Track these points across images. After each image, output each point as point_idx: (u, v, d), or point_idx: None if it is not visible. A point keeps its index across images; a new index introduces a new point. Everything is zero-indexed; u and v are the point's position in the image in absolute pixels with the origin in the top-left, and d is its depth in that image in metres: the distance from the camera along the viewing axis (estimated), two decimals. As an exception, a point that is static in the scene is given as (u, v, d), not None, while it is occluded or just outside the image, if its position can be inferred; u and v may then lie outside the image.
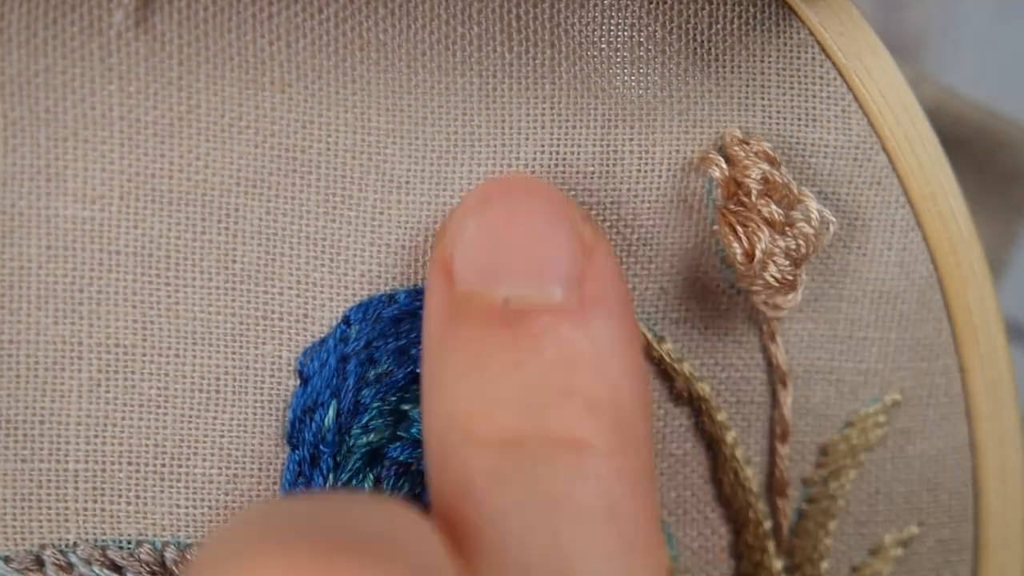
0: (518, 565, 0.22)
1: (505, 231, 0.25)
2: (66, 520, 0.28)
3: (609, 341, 0.25)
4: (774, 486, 0.31)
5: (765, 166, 0.29)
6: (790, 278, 0.29)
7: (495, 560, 0.23)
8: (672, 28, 0.29)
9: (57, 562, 0.28)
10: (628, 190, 0.29)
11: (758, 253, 0.29)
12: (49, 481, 0.28)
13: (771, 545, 0.31)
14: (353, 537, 0.19)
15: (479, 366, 0.24)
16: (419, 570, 0.19)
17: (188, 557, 0.28)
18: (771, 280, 0.29)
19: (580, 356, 0.24)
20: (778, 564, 0.31)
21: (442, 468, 0.24)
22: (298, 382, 0.29)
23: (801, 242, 0.29)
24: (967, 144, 0.36)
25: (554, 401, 0.24)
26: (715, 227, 0.30)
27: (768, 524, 0.31)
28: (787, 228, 0.29)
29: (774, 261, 0.29)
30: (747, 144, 0.29)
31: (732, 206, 0.29)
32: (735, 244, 0.29)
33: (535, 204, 0.26)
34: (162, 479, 0.28)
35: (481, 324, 0.25)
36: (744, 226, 0.29)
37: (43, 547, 0.28)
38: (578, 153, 0.29)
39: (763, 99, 0.30)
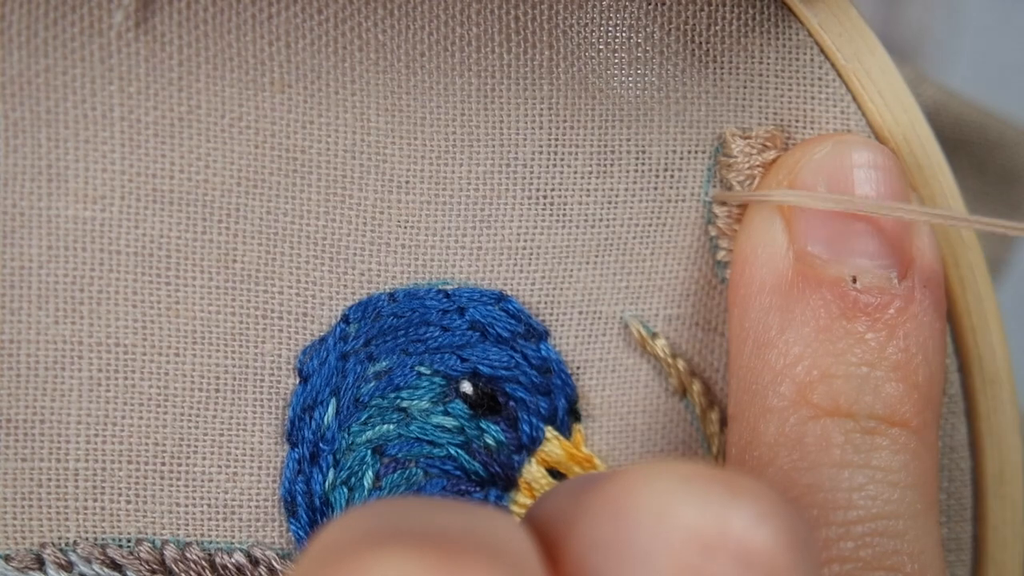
0: (843, 522, 0.25)
1: (851, 203, 0.27)
2: (66, 519, 0.28)
3: (931, 324, 0.27)
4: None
5: (773, 153, 0.29)
6: None
7: (822, 515, 0.25)
8: (670, 29, 0.29)
9: (57, 560, 0.28)
10: (625, 189, 0.29)
11: None
12: (49, 480, 0.28)
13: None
14: (463, 536, 0.19)
15: (826, 339, 0.27)
16: (523, 571, 0.19)
17: (187, 555, 0.28)
18: None
19: (910, 338, 0.27)
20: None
21: (753, 416, 0.27)
22: (298, 380, 0.29)
23: None
24: (967, 145, 0.36)
25: (886, 380, 0.26)
26: (711, 225, 0.30)
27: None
28: None
29: None
30: (750, 139, 0.29)
31: (737, 201, 0.29)
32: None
33: (881, 177, 0.28)
34: (162, 477, 0.28)
35: (831, 298, 0.27)
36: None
37: (43, 545, 0.28)
38: (576, 153, 0.29)
39: (761, 100, 0.30)
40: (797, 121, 0.30)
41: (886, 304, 0.27)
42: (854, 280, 0.27)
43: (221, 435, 0.29)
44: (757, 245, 0.28)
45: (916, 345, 0.27)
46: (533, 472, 0.29)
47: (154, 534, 0.28)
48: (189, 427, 0.28)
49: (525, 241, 0.29)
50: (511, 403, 0.29)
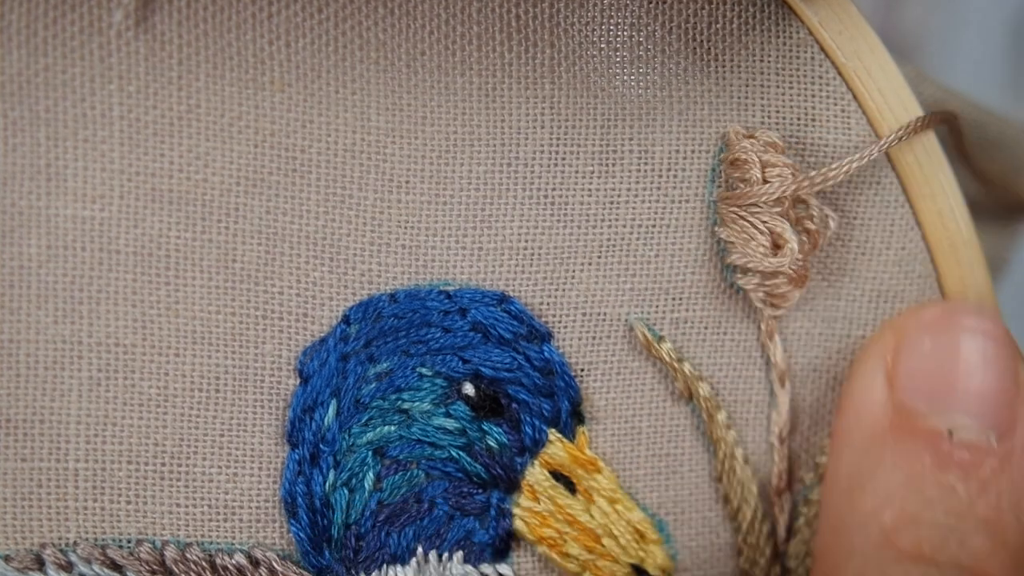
0: None
1: (956, 362, 0.28)
2: (66, 519, 0.28)
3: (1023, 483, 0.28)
4: (773, 485, 0.31)
5: (774, 156, 0.29)
6: (804, 272, 0.29)
7: None
8: (672, 28, 0.29)
9: (57, 561, 0.28)
10: (628, 189, 0.29)
11: (793, 244, 0.29)
12: (49, 480, 0.28)
13: (769, 544, 0.31)
14: None
15: (916, 486, 0.27)
16: None
17: (188, 556, 0.28)
18: (792, 272, 0.29)
19: (1004, 497, 0.27)
20: (776, 563, 0.31)
21: (838, 555, 0.28)
22: (298, 381, 0.29)
23: (806, 236, 0.29)
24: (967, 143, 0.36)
25: (973, 533, 0.27)
26: (716, 227, 0.30)
27: (767, 523, 0.31)
28: (796, 224, 0.29)
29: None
30: (754, 138, 0.29)
31: (745, 202, 0.29)
32: (760, 237, 0.29)
33: (989, 343, 0.28)
34: (162, 478, 0.28)
35: (924, 448, 0.27)
36: (764, 220, 0.29)
37: (43, 546, 0.28)
38: (577, 152, 0.29)
39: (762, 99, 0.30)
40: (798, 119, 0.30)
41: (980, 461, 0.27)
42: (950, 434, 0.27)
43: (221, 436, 0.29)
44: (860, 390, 0.29)
45: (1009, 503, 0.27)
46: (536, 474, 0.29)
47: (154, 535, 0.28)
48: (189, 428, 0.28)
49: (527, 241, 0.29)
50: (513, 405, 0.29)
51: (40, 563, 0.28)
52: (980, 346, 0.28)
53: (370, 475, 0.29)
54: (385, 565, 0.29)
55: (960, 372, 0.28)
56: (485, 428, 0.29)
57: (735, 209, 0.29)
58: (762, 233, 0.29)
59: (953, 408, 0.28)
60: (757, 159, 0.29)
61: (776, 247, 0.29)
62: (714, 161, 0.30)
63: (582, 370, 0.30)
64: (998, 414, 0.28)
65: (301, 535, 0.29)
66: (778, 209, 0.29)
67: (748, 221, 0.29)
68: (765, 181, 0.29)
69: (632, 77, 0.29)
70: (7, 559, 0.28)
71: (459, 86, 0.28)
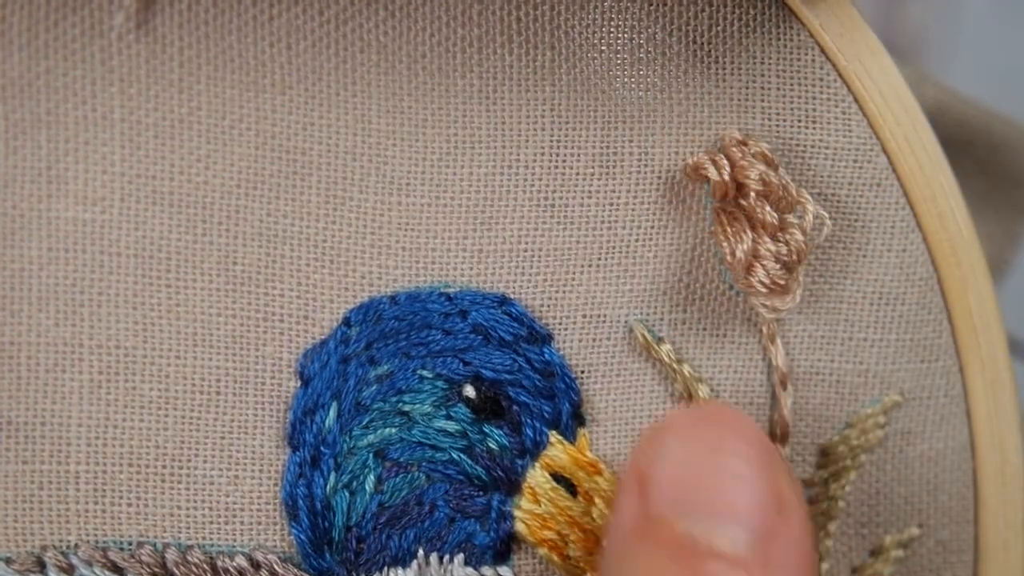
0: None
1: (706, 466, 0.27)
2: (67, 521, 0.28)
3: None
4: (774, 487, 0.31)
5: (762, 167, 0.29)
6: (781, 282, 0.29)
7: None
8: (672, 30, 0.29)
9: (58, 563, 0.28)
10: (627, 191, 0.29)
11: (739, 254, 0.29)
12: (50, 483, 0.28)
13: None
14: None
15: None
16: None
17: (189, 558, 0.28)
18: (759, 284, 0.29)
19: None
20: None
21: None
22: (299, 383, 0.29)
23: (792, 247, 0.29)
24: (970, 147, 0.36)
25: None
26: (713, 228, 0.30)
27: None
28: (779, 232, 0.29)
29: (763, 265, 0.29)
30: (745, 145, 0.29)
31: (729, 207, 0.29)
32: (724, 245, 0.29)
33: (741, 446, 0.27)
34: (163, 480, 0.28)
35: (663, 552, 0.26)
36: (731, 227, 0.29)
37: (44, 548, 0.28)
38: (578, 155, 0.29)
39: (763, 101, 0.30)
40: (799, 121, 0.30)
41: (712, 563, 0.26)
42: (699, 543, 0.26)
43: (222, 438, 0.29)
44: (621, 499, 0.28)
45: None
46: (537, 477, 0.29)
47: (155, 537, 0.28)
48: (190, 430, 0.28)
49: (527, 244, 0.29)
50: (514, 407, 0.29)
51: (41, 565, 0.28)
52: (729, 445, 0.27)
53: (371, 477, 0.29)
54: (386, 567, 0.29)
55: (715, 480, 0.26)
56: (486, 430, 0.29)
57: (720, 212, 0.29)
58: (726, 241, 0.29)
59: (698, 513, 0.26)
60: (709, 158, 0.29)
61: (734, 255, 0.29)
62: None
63: (582, 372, 0.30)
64: (753, 524, 0.26)
65: (302, 537, 0.29)
66: (761, 208, 0.29)
67: (720, 224, 0.29)
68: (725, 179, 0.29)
69: (632, 80, 0.29)
70: (8, 561, 0.28)
71: (460, 89, 0.28)
